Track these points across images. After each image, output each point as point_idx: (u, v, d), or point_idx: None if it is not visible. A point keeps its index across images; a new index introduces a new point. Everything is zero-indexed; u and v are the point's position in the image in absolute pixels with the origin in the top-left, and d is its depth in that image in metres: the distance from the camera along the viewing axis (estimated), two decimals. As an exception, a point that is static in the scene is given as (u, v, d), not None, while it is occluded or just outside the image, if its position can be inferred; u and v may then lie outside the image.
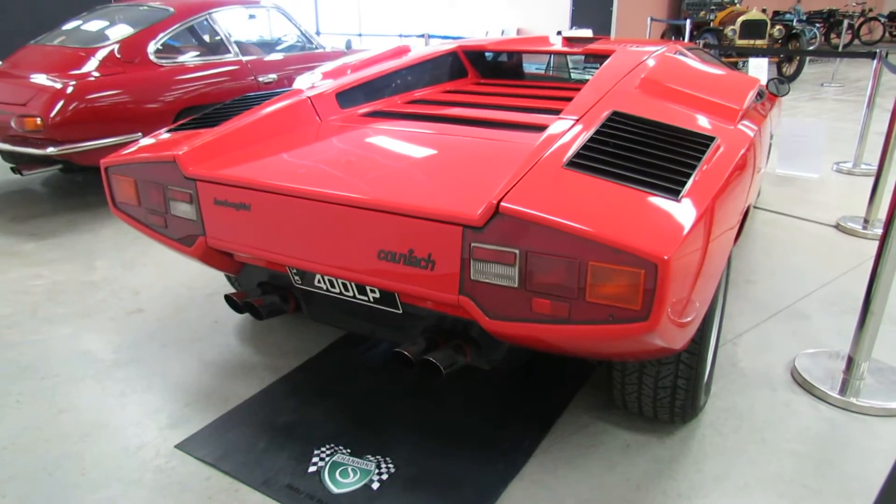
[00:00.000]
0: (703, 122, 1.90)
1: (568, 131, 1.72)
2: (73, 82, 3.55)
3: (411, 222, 1.50)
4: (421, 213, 1.48)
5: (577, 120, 1.80)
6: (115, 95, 3.71)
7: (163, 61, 4.07)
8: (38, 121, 3.38)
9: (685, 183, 1.49)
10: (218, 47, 4.50)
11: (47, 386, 2.24)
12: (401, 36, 11.13)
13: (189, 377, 2.29)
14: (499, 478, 1.80)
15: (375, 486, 1.77)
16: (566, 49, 2.79)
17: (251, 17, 5.24)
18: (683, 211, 1.40)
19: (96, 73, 3.75)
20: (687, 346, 1.69)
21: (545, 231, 1.36)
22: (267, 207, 1.73)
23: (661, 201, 1.42)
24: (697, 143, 1.70)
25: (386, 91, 2.58)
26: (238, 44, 4.62)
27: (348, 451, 1.91)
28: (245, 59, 4.58)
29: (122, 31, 4.15)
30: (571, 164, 1.55)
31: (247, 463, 1.86)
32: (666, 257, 1.26)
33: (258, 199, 1.74)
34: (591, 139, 1.67)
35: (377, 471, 1.83)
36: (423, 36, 6.88)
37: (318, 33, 12.77)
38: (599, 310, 1.36)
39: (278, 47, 5.09)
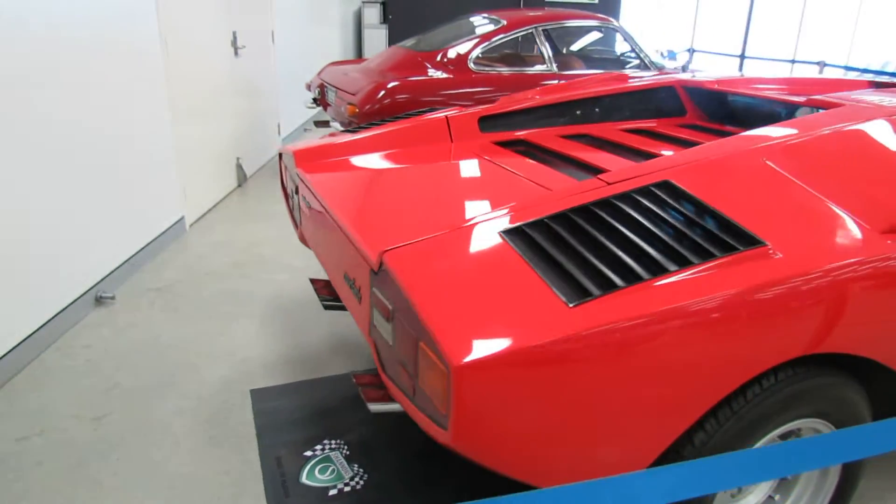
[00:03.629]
0: (799, 220, 1.34)
1: (583, 193, 1.44)
2: (394, 80, 4.21)
3: (353, 251, 1.51)
4: (355, 243, 1.48)
5: (612, 184, 1.47)
6: (422, 96, 4.27)
7: (478, 68, 4.48)
8: (356, 109, 4.15)
9: (611, 288, 1.13)
10: (535, 60, 4.70)
11: (239, 313, 2.87)
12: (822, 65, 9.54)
13: (309, 340, 2.64)
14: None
15: (332, 492, 1.83)
16: (789, 97, 2.17)
17: (598, 30, 5.28)
18: (557, 321, 1.08)
19: (417, 75, 4.36)
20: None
21: (402, 295, 1.23)
22: (313, 213, 1.91)
23: (549, 301, 1.13)
24: (720, 243, 1.24)
25: (560, 120, 2.44)
26: (559, 58, 4.74)
27: (348, 452, 1.99)
28: (561, 73, 4.68)
29: (458, 37, 4.69)
30: (512, 231, 1.32)
31: (272, 427, 2.12)
32: (461, 363, 1.03)
33: (315, 204, 1.92)
34: (582, 209, 1.37)
35: (347, 480, 1.88)
36: (819, 63, 5.77)
37: (742, 56, 11.82)
38: (426, 400, 1.17)
39: (608, 66, 5.04)
